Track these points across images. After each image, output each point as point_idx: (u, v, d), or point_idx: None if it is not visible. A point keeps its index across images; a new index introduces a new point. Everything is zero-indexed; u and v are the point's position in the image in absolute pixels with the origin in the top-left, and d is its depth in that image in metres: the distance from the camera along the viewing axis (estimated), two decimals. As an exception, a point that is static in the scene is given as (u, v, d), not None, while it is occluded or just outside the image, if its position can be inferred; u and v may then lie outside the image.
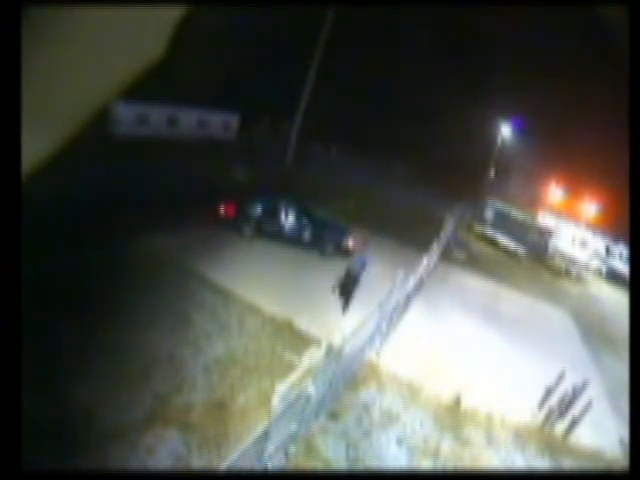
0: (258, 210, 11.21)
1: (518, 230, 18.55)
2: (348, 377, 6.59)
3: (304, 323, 7.82)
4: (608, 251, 20.28)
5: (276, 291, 8.90)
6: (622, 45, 1.23)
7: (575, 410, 7.09)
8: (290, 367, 6.22)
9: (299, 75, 20.76)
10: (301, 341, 7.25)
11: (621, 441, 7.12)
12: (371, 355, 7.45)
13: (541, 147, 30.69)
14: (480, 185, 29.89)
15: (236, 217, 11.20)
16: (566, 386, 7.39)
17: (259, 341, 7.10)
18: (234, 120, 25.98)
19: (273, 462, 4.69)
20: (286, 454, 5.03)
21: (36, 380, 4.76)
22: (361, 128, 31.49)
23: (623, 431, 7.24)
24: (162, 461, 4.66)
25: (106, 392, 5.23)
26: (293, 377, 4.31)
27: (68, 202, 9.32)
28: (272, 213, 11.26)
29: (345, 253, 11.50)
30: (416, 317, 9.54)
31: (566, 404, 7.19)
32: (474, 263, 15.39)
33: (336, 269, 10.85)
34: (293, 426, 4.94)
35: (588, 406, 7.03)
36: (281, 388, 4.02)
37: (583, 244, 19.79)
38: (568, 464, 6.49)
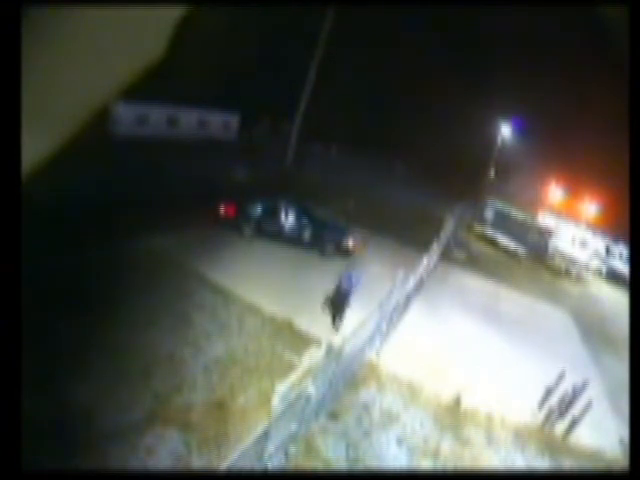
0: (258, 210, 11.21)
1: (518, 230, 18.54)
2: (348, 377, 6.59)
3: (304, 323, 7.82)
4: (608, 251, 20.26)
5: (276, 291, 8.89)
6: (622, 45, 1.23)
7: (575, 410, 7.08)
8: (290, 367, 6.22)
9: (299, 75, 20.77)
10: (301, 341, 7.25)
11: (621, 441, 7.12)
12: (371, 355, 7.44)
13: (541, 147, 30.68)
14: (480, 185, 29.88)
15: (236, 217, 11.20)
16: (566, 386, 7.39)
17: (259, 341, 7.10)
18: (234, 120, 25.99)
19: (273, 462, 4.69)
20: (286, 454, 5.02)
21: (36, 380, 4.76)
22: (361, 128, 31.49)
23: (623, 431, 7.24)
24: (162, 461, 4.66)
25: (106, 392, 5.23)
26: (293, 377, 4.31)
27: (68, 202, 9.32)
28: (272, 213, 11.26)
29: (345, 253, 11.50)
30: (416, 317, 9.53)
31: (566, 404, 7.19)
32: (474, 263, 15.39)
33: (336, 269, 10.86)
34: (293, 426, 4.94)
35: (588, 406, 7.03)
36: (281, 388, 4.02)
37: (583, 244, 19.78)
38: (568, 464, 6.49)
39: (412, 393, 6.92)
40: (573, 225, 20.95)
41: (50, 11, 0.88)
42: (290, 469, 4.96)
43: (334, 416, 5.95)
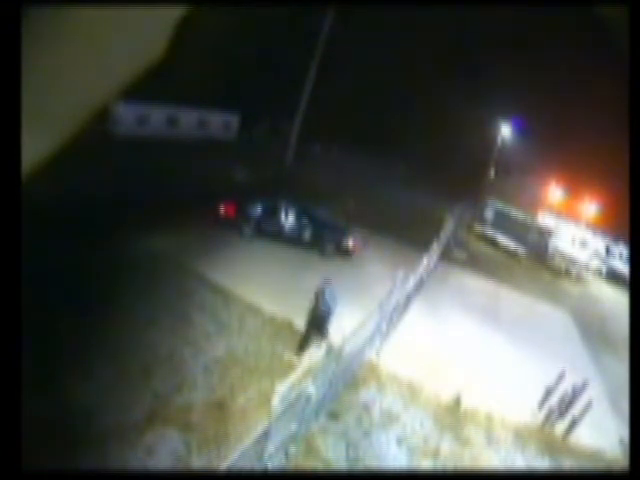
0: (258, 210, 11.21)
1: (518, 230, 18.53)
2: (348, 377, 6.59)
3: (304, 323, 7.81)
4: (608, 251, 20.27)
5: (276, 291, 8.89)
6: (622, 45, 1.23)
7: (575, 410, 7.08)
8: (290, 367, 6.23)
9: (299, 75, 20.77)
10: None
11: (621, 441, 7.12)
12: (371, 355, 7.44)
13: (541, 147, 30.69)
14: (480, 185, 29.88)
15: (236, 217, 11.20)
16: (566, 386, 7.39)
17: (259, 341, 7.10)
18: (234, 120, 25.98)
19: (273, 462, 4.69)
20: (286, 454, 5.02)
21: (36, 380, 4.76)
22: (361, 128, 31.49)
23: (623, 431, 7.24)
24: (162, 461, 4.66)
25: (106, 392, 5.24)
26: (293, 377, 4.31)
27: (68, 202, 9.32)
28: (272, 213, 11.26)
29: (345, 253, 11.50)
30: (416, 317, 9.53)
31: (566, 404, 7.19)
32: (474, 263, 15.38)
33: (336, 269, 10.86)
34: (293, 426, 4.95)
35: (588, 406, 7.02)
36: (281, 388, 4.03)
37: (583, 244, 19.77)
38: (568, 464, 6.49)
39: (412, 393, 6.92)
40: (573, 225, 20.95)
41: (50, 11, 0.88)
42: (290, 469, 4.96)
43: (334, 416, 5.95)
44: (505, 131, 31.40)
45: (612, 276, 19.80)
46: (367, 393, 6.64)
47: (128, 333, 6.40)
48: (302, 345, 7.01)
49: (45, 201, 7.25)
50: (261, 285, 8.96)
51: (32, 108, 0.92)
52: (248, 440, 4.11)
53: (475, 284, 13.45)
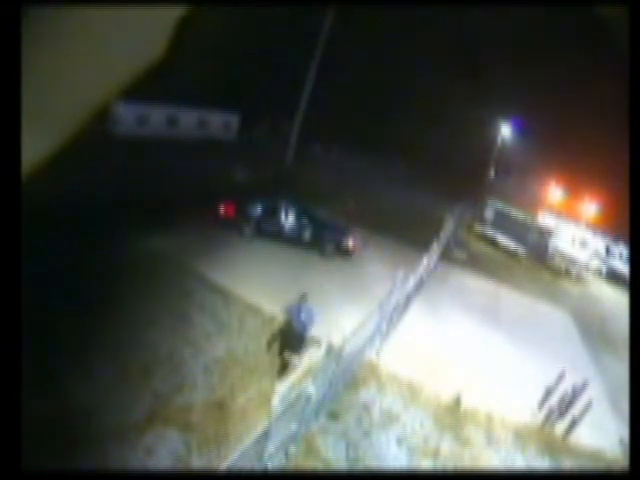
0: (258, 210, 11.21)
1: (518, 230, 18.53)
2: (348, 377, 6.59)
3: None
4: (608, 251, 20.26)
5: (276, 291, 8.89)
6: (622, 45, 1.23)
7: (575, 410, 7.08)
8: (290, 367, 6.22)
9: (299, 75, 20.77)
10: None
11: (621, 441, 7.12)
12: (371, 355, 7.44)
13: (541, 147, 30.71)
14: (480, 185, 29.90)
15: (236, 217, 11.20)
16: (566, 386, 7.39)
17: (259, 341, 7.09)
18: (234, 120, 25.97)
19: (273, 462, 4.69)
20: (286, 454, 5.03)
21: (36, 380, 4.76)
22: (361, 128, 31.49)
23: (623, 431, 7.24)
24: (162, 461, 4.66)
25: (106, 392, 5.24)
26: (293, 377, 4.31)
27: (68, 202, 9.32)
28: (272, 213, 11.26)
29: (345, 253, 11.50)
30: (416, 317, 9.53)
31: (566, 404, 7.19)
32: (474, 263, 15.38)
33: (336, 269, 10.88)
34: (293, 426, 4.95)
35: (588, 406, 7.03)
36: (281, 388, 4.03)
37: (583, 244, 19.77)
38: (568, 464, 6.49)
39: (412, 393, 6.92)
40: (573, 225, 20.95)
41: (50, 11, 0.88)
42: (290, 469, 4.96)
43: (334, 416, 5.95)
44: (505, 131, 31.44)
45: (612, 276, 19.79)
46: (367, 393, 6.64)
47: (128, 333, 6.40)
48: (281, 369, 6.24)
49: (45, 201, 7.25)
50: (261, 285, 8.96)
51: (32, 108, 0.92)
52: (248, 440, 4.11)
53: (475, 284, 13.45)
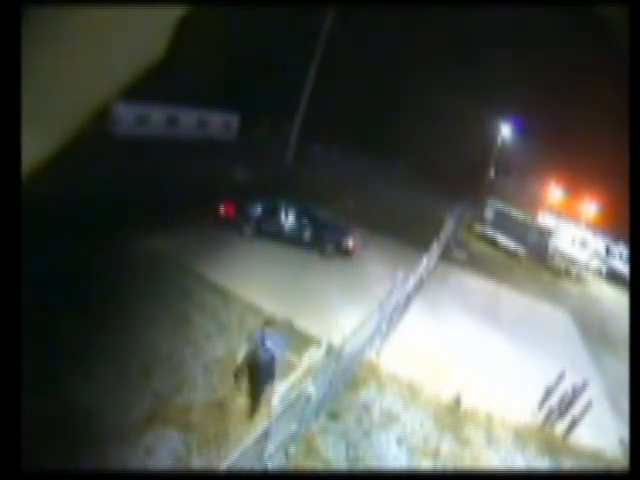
0: (258, 210, 11.21)
1: (518, 230, 18.53)
2: (348, 377, 6.59)
3: (304, 323, 7.82)
4: (608, 251, 20.27)
5: (276, 291, 8.89)
6: (622, 45, 1.23)
7: (575, 410, 7.08)
8: (290, 367, 6.22)
9: (299, 75, 20.77)
10: (301, 341, 7.24)
11: (621, 441, 7.12)
12: (371, 355, 7.44)
13: (541, 147, 30.70)
14: (480, 185, 29.90)
15: (236, 217, 11.20)
16: (566, 386, 7.39)
17: (259, 341, 7.09)
18: (234, 120, 25.98)
19: (273, 462, 4.69)
20: (286, 454, 5.03)
21: (36, 380, 4.76)
22: (361, 128, 31.48)
23: (623, 431, 7.24)
24: (162, 461, 4.66)
25: (106, 392, 5.23)
26: (293, 377, 4.31)
27: (68, 202, 9.32)
28: (272, 213, 11.26)
29: (345, 253, 11.50)
30: (416, 317, 9.53)
31: (566, 404, 7.19)
32: (474, 263, 15.38)
33: (336, 269, 10.87)
34: (293, 426, 4.95)
35: (588, 406, 7.02)
36: (281, 388, 4.03)
37: (583, 244, 19.78)
38: (568, 464, 6.49)
39: (412, 393, 6.92)
40: (573, 225, 20.96)
41: (50, 11, 0.88)
42: (290, 469, 4.96)
43: (334, 416, 5.95)
44: (505, 131, 31.42)
45: (612, 276, 19.80)
46: (367, 393, 6.64)
47: (128, 333, 6.40)
48: (252, 409, 5.45)
49: (45, 201, 7.24)
50: (261, 285, 8.96)
51: (32, 108, 0.92)
52: (248, 440, 4.11)
53: (475, 284, 13.45)
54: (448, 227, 15.15)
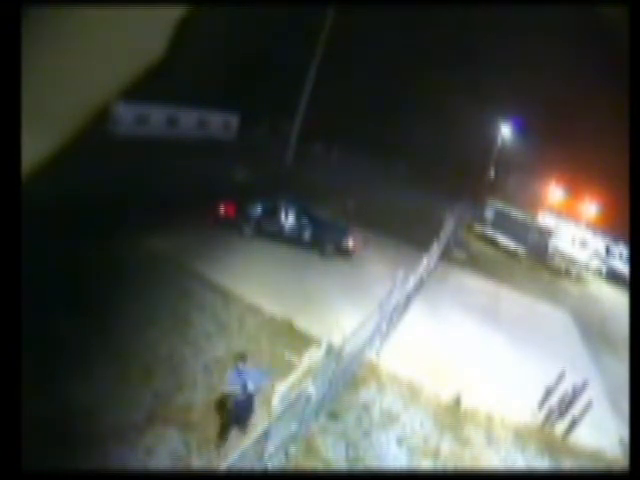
0: (258, 210, 11.21)
1: (518, 230, 18.54)
2: (348, 377, 6.59)
3: (304, 323, 7.82)
4: (608, 251, 20.27)
5: (276, 291, 8.89)
6: (622, 45, 1.23)
7: (575, 410, 7.08)
8: (290, 367, 6.22)
9: (299, 75, 20.77)
10: (301, 341, 7.24)
11: (621, 441, 7.12)
12: (371, 355, 7.44)
13: (541, 147, 30.69)
14: (480, 185, 29.90)
15: (236, 217, 11.20)
16: (566, 386, 7.39)
17: (259, 341, 7.09)
18: (234, 120, 25.97)
19: (273, 462, 4.69)
20: (286, 454, 5.02)
21: (36, 380, 4.76)
22: (361, 128, 31.47)
23: (623, 431, 7.24)
24: (162, 461, 4.66)
25: (106, 392, 5.23)
26: (293, 377, 4.31)
27: (68, 202, 9.31)
28: (272, 213, 11.26)
29: (345, 253, 11.50)
30: (416, 317, 9.53)
31: (566, 404, 7.19)
32: (474, 263, 15.38)
33: (336, 269, 10.87)
34: (293, 426, 4.95)
35: (588, 406, 7.03)
36: (281, 388, 4.03)
37: (583, 244, 19.79)
38: (568, 464, 6.49)
39: (412, 393, 6.92)
40: (573, 225, 20.97)
41: (50, 11, 0.88)
42: (290, 469, 4.96)
43: (334, 416, 5.95)
44: (505, 131, 31.42)
45: (612, 276, 19.80)
46: (367, 393, 6.64)
47: (128, 333, 6.40)
48: (220, 442, 4.95)
49: (45, 201, 7.23)
50: (261, 285, 8.95)
51: (32, 108, 0.92)
52: (248, 440, 4.11)
53: (475, 284, 13.45)
54: (448, 227, 15.14)
